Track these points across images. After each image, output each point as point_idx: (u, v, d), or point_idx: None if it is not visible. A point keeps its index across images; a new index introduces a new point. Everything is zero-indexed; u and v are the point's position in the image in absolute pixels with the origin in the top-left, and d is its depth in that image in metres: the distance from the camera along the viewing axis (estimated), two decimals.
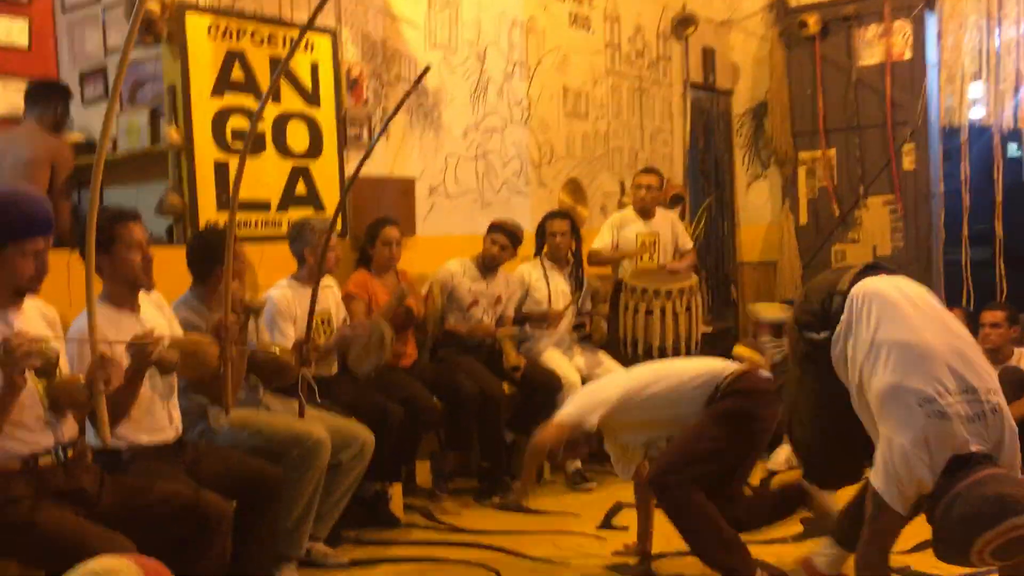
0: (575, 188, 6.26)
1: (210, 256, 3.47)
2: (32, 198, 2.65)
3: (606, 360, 5.21)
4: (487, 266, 4.95)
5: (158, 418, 3.08)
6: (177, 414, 3.19)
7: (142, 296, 3.13)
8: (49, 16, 5.08)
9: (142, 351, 2.75)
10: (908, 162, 6.93)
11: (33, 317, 2.67)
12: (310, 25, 2.97)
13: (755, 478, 5.02)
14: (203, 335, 3.10)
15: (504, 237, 4.94)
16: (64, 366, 2.68)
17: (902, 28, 6.87)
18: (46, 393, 2.59)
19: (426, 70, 3.91)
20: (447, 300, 4.90)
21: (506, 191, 5.76)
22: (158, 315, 3.18)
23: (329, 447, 3.51)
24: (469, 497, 4.73)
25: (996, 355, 4.96)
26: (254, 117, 3.15)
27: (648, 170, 5.88)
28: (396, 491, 4.36)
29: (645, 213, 5.73)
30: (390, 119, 3.83)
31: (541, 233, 5.30)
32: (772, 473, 5.11)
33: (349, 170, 4.83)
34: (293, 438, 3.43)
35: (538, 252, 5.33)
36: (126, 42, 2.35)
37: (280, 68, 3.15)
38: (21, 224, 2.54)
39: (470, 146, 5.53)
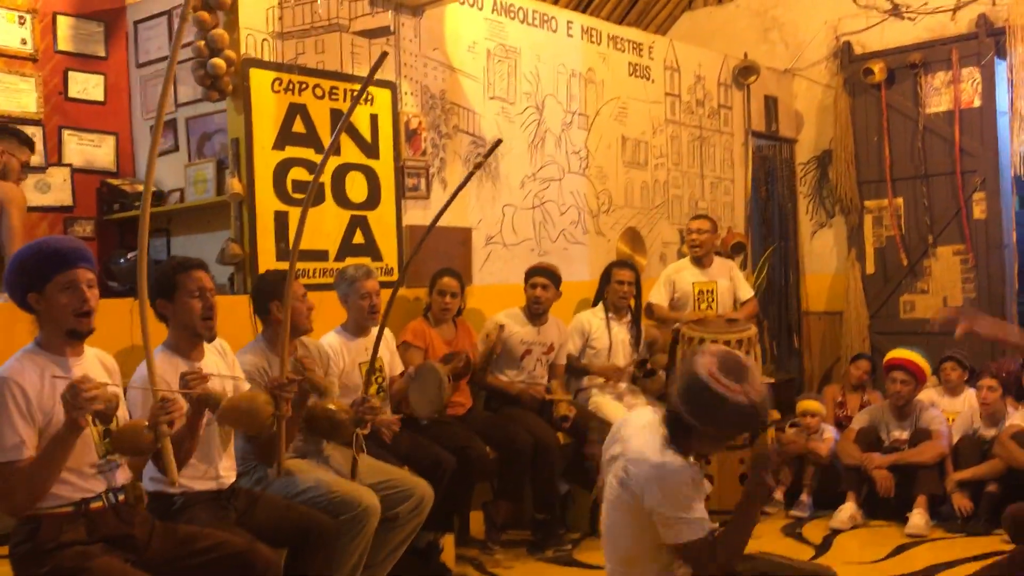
0: (633, 237, 6.24)
1: (276, 297, 3.50)
2: (55, 237, 2.80)
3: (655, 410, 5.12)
4: (534, 312, 4.93)
5: (212, 465, 3.12)
6: (231, 462, 3.24)
7: (206, 344, 3.19)
8: (124, 71, 5.29)
9: (189, 387, 2.81)
10: (979, 211, 6.75)
11: (92, 365, 2.75)
12: (370, 81, 3.04)
13: (817, 536, 4.89)
14: (258, 392, 3.13)
15: (542, 278, 4.92)
16: (124, 414, 2.74)
17: (971, 75, 6.74)
18: (108, 438, 2.65)
19: (498, 142, 3.97)
20: (501, 351, 4.88)
21: (563, 240, 5.77)
22: (220, 362, 3.24)
23: (379, 514, 3.48)
24: (522, 549, 4.68)
25: None
26: (316, 172, 3.21)
27: (698, 216, 5.87)
28: (448, 542, 4.34)
29: (700, 261, 5.68)
30: (460, 188, 3.82)
31: (606, 280, 5.24)
32: (835, 531, 4.95)
33: (406, 220, 4.89)
34: (344, 502, 3.41)
35: (598, 300, 5.29)
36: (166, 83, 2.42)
37: (341, 124, 3.21)
38: (50, 262, 2.62)
39: (527, 196, 5.56)
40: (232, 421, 2.99)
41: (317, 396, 3.45)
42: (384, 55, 3.01)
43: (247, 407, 2.98)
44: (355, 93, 4.65)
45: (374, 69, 2.93)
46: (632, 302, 5.28)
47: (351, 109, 3.14)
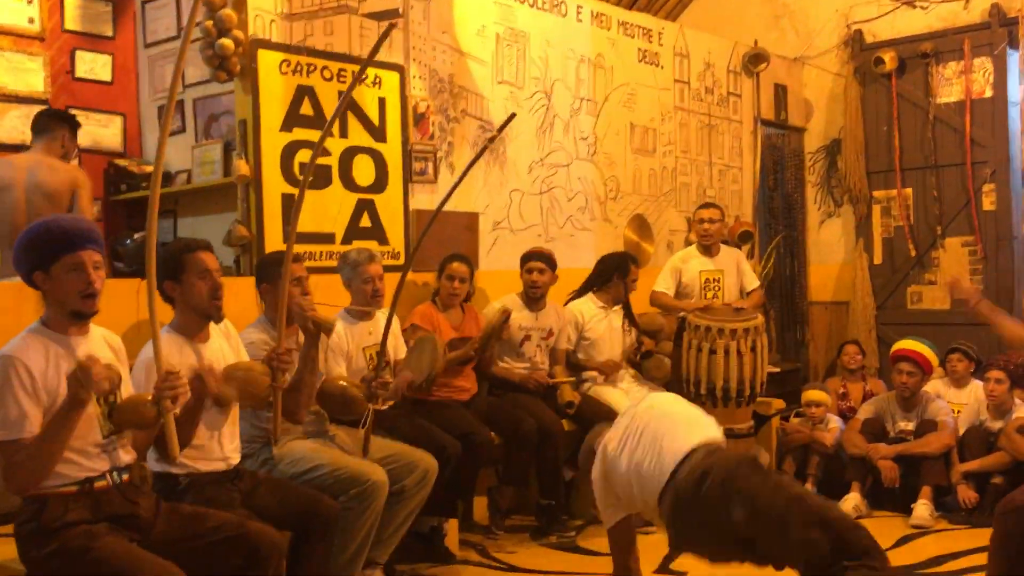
0: (640, 224, 6.22)
1: (277, 276, 3.49)
2: (64, 218, 2.81)
3: None
4: (532, 297, 4.91)
5: (217, 446, 3.12)
6: (236, 443, 3.23)
7: (212, 326, 3.18)
8: (131, 52, 5.27)
9: (200, 385, 2.80)
10: (988, 202, 6.71)
11: (98, 344, 2.74)
12: (370, 60, 3.02)
13: None
14: (256, 363, 3.13)
15: (538, 262, 4.90)
16: (127, 393, 2.74)
17: (983, 66, 6.69)
18: (111, 413, 2.64)
19: (511, 117, 3.95)
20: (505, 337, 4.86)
21: (570, 226, 5.75)
22: (224, 344, 3.24)
23: (387, 490, 3.50)
24: (526, 535, 4.69)
25: None
26: (316, 148, 3.19)
27: (707, 204, 5.80)
28: (452, 526, 4.35)
29: (708, 250, 5.64)
30: (470, 166, 3.83)
31: (620, 273, 5.12)
32: None
33: (413, 204, 4.87)
34: (352, 477, 3.43)
35: (594, 287, 5.21)
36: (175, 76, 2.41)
37: (342, 101, 3.20)
38: (57, 243, 2.61)
39: (535, 181, 5.54)
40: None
41: (325, 334, 3.44)
42: (392, 26, 2.99)
43: (243, 376, 2.98)
44: (362, 76, 4.63)
45: (380, 40, 2.91)
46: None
47: (353, 84, 3.14)
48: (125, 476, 2.68)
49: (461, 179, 3.76)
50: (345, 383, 3.56)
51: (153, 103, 5.22)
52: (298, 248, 4.32)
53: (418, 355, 4.14)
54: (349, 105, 4.59)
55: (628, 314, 5.25)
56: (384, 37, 2.92)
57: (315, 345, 3.40)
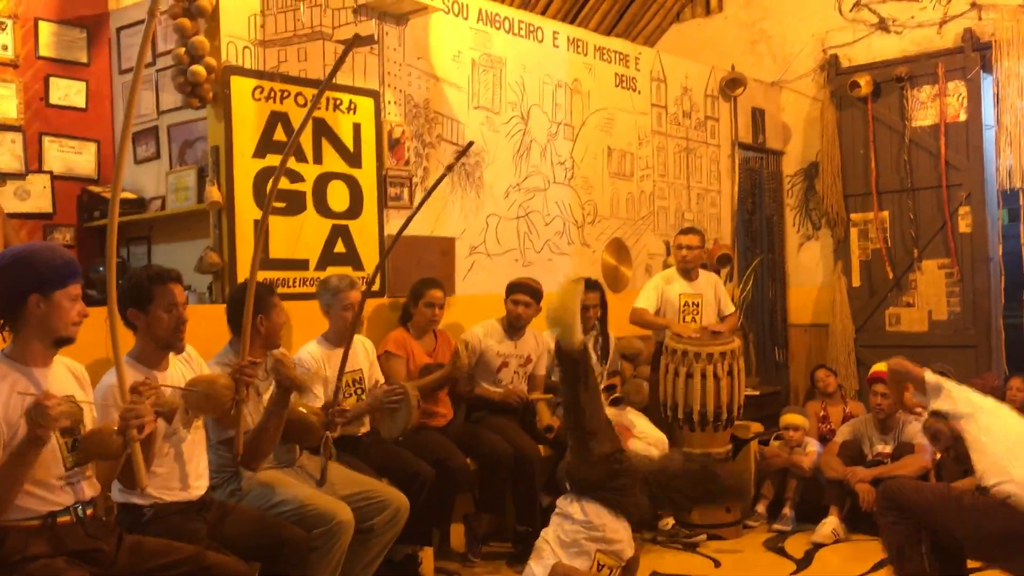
0: (619, 248, 6.22)
1: (258, 312, 3.47)
2: (57, 246, 2.75)
3: (639, 421, 5.11)
4: (513, 326, 4.90)
5: (182, 475, 3.08)
6: (203, 471, 3.20)
7: (170, 354, 3.16)
8: (106, 78, 5.25)
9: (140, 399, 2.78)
10: (964, 225, 6.76)
11: (62, 375, 2.71)
12: (328, 83, 3.03)
13: (799, 550, 4.87)
14: (219, 375, 3.10)
15: (525, 295, 4.88)
16: (89, 423, 2.70)
17: (956, 89, 6.76)
18: (74, 445, 2.60)
19: (469, 145, 3.99)
20: (476, 364, 4.85)
21: (548, 251, 5.75)
22: (186, 370, 3.20)
23: (352, 529, 3.44)
24: (503, 561, 4.65)
25: None
26: (277, 170, 3.15)
27: (688, 230, 5.80)
28: (427, 555, 4.31)
29: (688, 274, 5.64)
30: (431, 190, 3.86)
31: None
32: (817, 545, 4.93)
33: (389, 230, 4.86)
34: (318, 516, 3.37)
35: None
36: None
37: (303, 121, 3.19)
38: (65, 270, 2.61)
39: (512, 206, 5.54)
40: (192, 405, 2.96)
41: (298, 393, 3.41)
42: (350, 45, 2.99)
43: (206, 390, 2.95)
44: (337, 102, 4.64)
45: (341, 59, 2.92)
46: (596, 320, 5.23)
47: (313, 105, 3.12)
48: (89, 510, 2.64)
49: (421, 204, 3.82)
50: (304, 410, 3.52)
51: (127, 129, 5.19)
52: (272, 274, 4.32)
53: (393, 413, 4.12)
54: (323, 131, 4.59)
55: (603, 339, 5.23)
56: (344, 56, 2.93)
57: (285, 401, 3.35)
